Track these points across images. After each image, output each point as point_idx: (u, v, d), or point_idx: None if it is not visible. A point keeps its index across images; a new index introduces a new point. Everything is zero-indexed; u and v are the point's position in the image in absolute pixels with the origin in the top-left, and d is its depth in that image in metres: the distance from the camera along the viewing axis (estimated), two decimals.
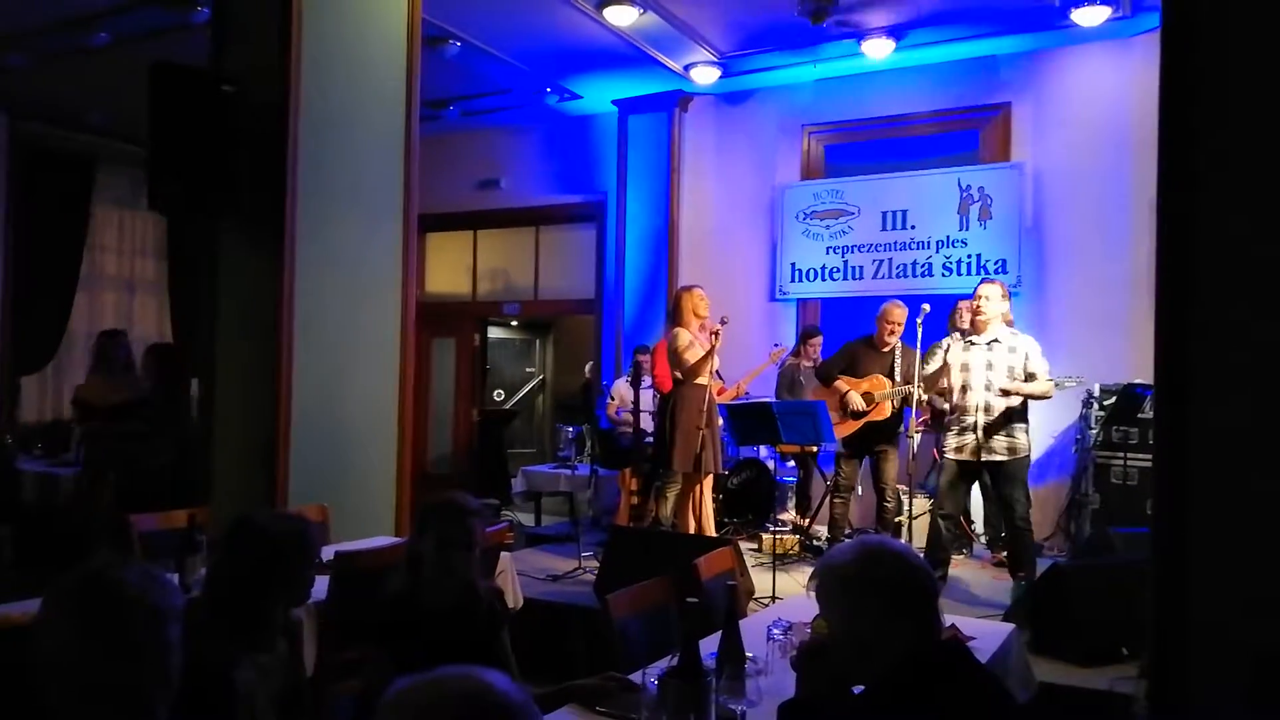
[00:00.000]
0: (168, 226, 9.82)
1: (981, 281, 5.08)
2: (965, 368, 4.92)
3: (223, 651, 1.91)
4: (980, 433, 4.82)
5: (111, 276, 9.81)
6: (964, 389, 4.91)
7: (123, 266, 9.88)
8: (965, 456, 4.88)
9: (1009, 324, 5.15)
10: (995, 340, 4.87)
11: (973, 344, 4.93)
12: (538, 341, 11.96)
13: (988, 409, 4.81)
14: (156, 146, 4.16)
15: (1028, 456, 4.89)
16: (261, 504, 4.18)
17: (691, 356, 5.36)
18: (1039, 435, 6.82)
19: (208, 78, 4.34)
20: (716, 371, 5.56)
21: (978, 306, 4.91)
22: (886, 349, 5.77)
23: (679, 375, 5.45)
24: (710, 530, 5.52)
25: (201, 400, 4.62)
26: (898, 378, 5.67)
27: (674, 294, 5.72)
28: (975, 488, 6.34)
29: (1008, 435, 4.80)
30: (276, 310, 4.39)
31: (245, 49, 4.54)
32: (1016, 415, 4.81)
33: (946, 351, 5.03)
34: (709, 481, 5.55)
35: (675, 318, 5.55)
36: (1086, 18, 6.27)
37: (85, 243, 9.40)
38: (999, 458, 4.81)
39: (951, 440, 4.98)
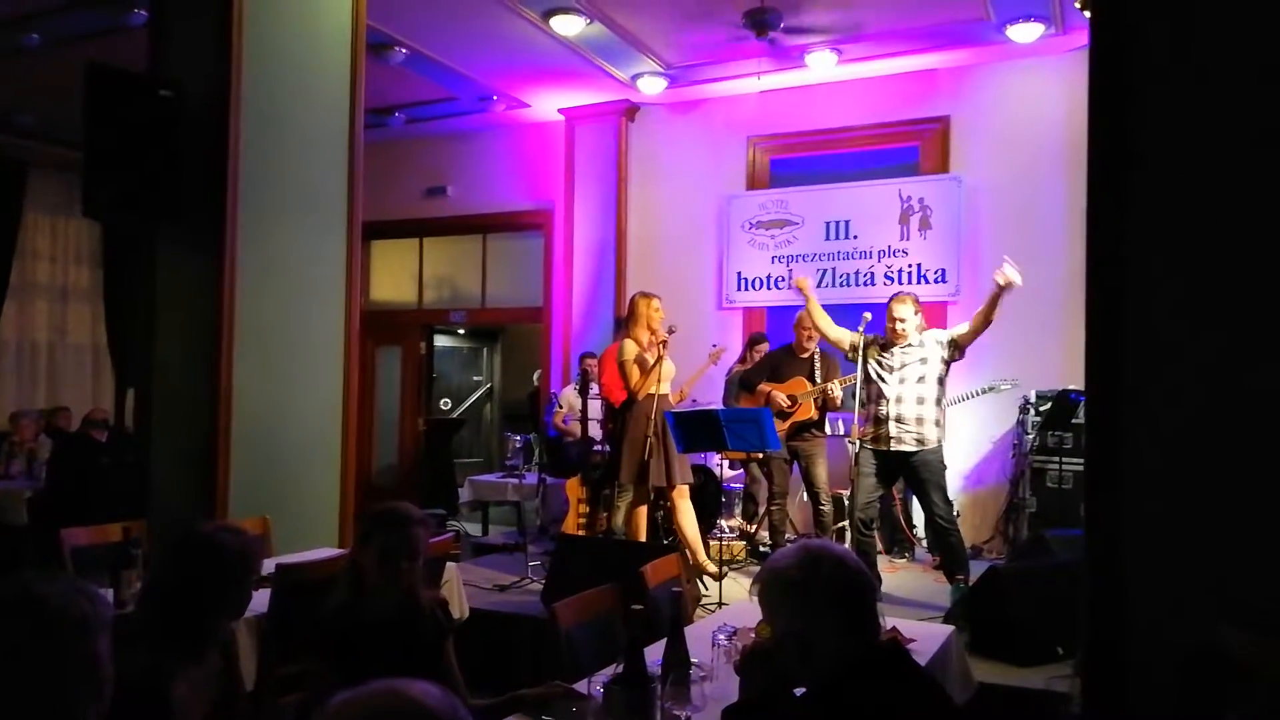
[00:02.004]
0: (103, 233, 9.59)
1: (892, 299, 5.15)
2: (881, 366, 5.08)
3: (157, 664, 1.87)
4: (889, 426, 4.98)
5: (44, 284, 9.54)
6: (874, 381, 5.06)
7: (55, 274, 9.62)
8: (880, 447, 5.02)
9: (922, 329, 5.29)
10: (909, 344, 5.05)
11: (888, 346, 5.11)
12: (485, 349, 11.89)
13: (899, 400, 4.99)
14: (92, 151, 4.07)
15: (938, 451, 5.02)
16: (200, 517, 4.10)
17: (640, 367, 5.38)
18: (979, 440, 7.01)
19: (145, 81, 4.25)
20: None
21: (897, 329, 5.02)
22: (805, 354, 6.03)
23: (629, 386, 5.46)
24: (697, 547, 5.46)
25: (138, 410, 4.51)
26: (818, 381, 5.84)
27: (631, 299, 5.71)
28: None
29: (917, 427, 4.96)
30: (216, 319, 4.32)
31: (185, 53, 4.46)
32: (926, 411, 4.98)
33: (868, 348, 5.13)
34: (683, 492, 5.50)
35: (627, 324, 5.57)
36: (1021, 34, 6.46)
37: (15, 249, 9.13)
38: (908, 449, 4.97)
39: (868, 429, 5.13)
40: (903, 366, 5.02)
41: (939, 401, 5.03)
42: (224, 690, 2.16)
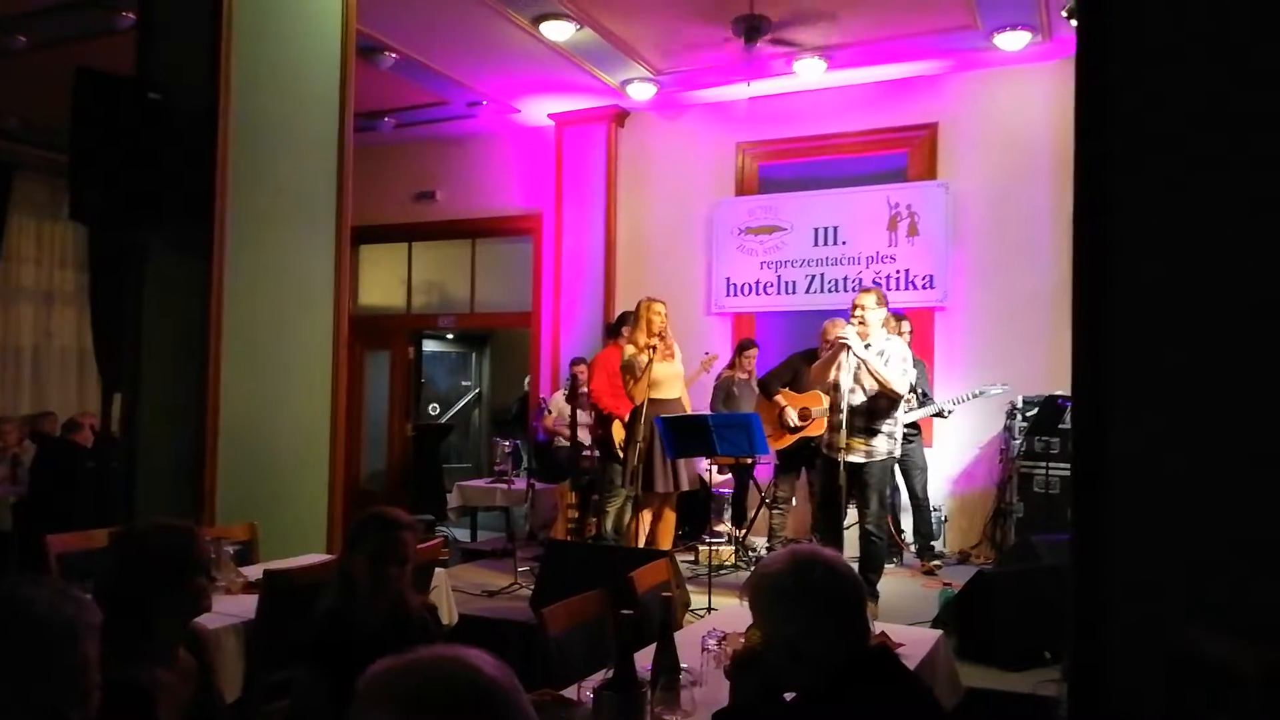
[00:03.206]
0: (89, 237, 9.53)
1: (860, 292, 5.15)
2: (840, 369, 4.98)
3: (119, 667, 1.84)
4: (843, 432, 4.84)
5: (29, 288, 9.48)
6: (836, 388, 4.97)
7: (41, 278, 9.56)
8: (832, 455, 4.93)
9: (897, 331, 5.23)
10: (869, 346, 4.95)
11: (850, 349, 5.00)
12: (474, 355, 11.87)
13: (851, 410, 4.87)
14: (79, 154, 4.05)
15: (885, 463, 4.96)
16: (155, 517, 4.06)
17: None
18: (966, 445, 7.04)
19: (133, 84, 4.24)
20: None
21: (856, 315, 4.97)
22: None
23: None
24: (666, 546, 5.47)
25: (125, 416, 4.48)
26: None
27: (637, 302, 5.70)
28: (905, 495, 6.53)
29: (865, 437, 4.88)
30: (204, 323, 4.30)
31: (173, 56, 4.45)
32: (877, 419, 4.89)
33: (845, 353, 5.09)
34: (670, 501, 5.51)
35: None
36: (1008, 42, 6.51)
37: (1, 253, 9.08)
38: (856, 459, 4.88)
39: (826, 436, 5.08)
40: (858, 368, 4.89)
41: (890, 411, 4.93)
42: (199, 689, 2.12)
